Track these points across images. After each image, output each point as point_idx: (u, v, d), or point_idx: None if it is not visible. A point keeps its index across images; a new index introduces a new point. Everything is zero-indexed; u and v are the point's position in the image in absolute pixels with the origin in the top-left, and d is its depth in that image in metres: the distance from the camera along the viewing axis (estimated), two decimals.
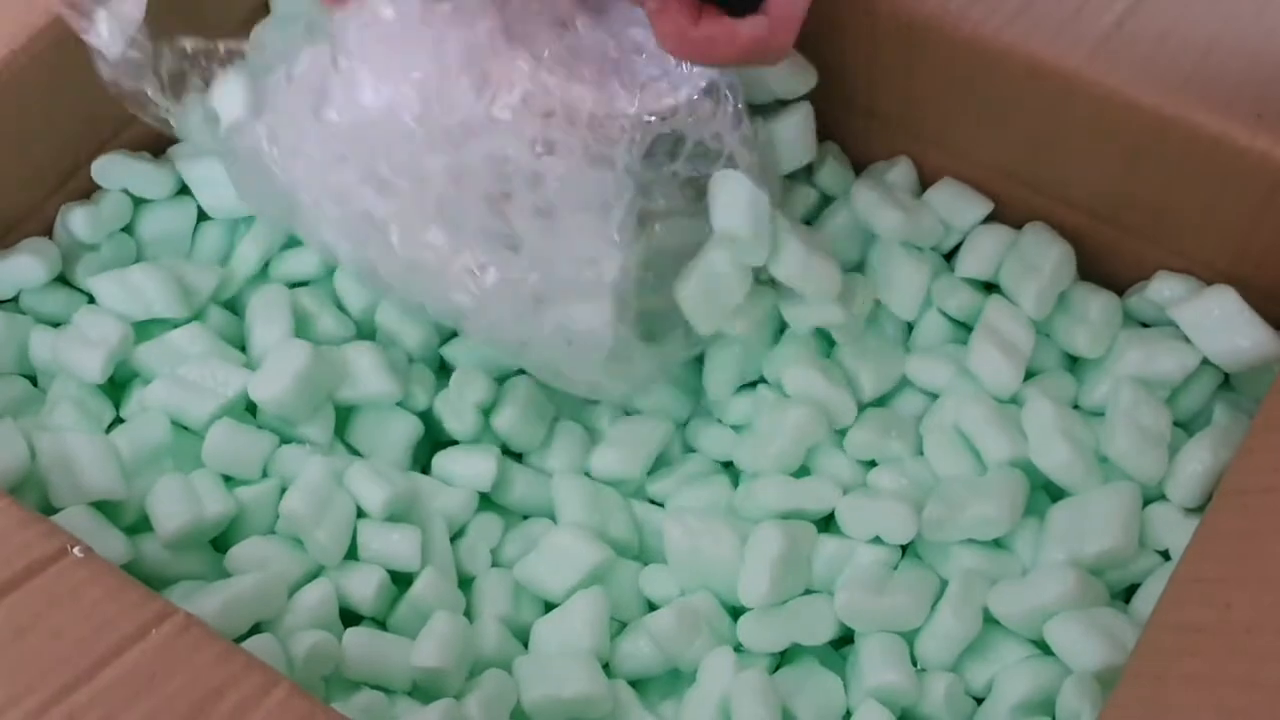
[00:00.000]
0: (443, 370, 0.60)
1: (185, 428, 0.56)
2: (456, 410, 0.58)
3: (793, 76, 0.60)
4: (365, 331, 0.60)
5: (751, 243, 0.54)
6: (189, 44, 0.55)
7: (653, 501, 0.58)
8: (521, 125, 0.51)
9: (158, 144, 0.64)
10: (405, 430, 0.58)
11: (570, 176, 0.52)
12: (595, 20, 0.54)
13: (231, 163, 0.57)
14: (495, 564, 0.56)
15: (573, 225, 0.53)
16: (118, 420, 0.57)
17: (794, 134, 0.60)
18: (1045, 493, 0.56)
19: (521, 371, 0.60)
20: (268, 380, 0.55)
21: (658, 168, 0.54)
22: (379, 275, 0.55)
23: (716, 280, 0.55)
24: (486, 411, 0.58)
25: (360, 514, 0.54)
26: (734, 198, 0.54)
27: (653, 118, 0.53)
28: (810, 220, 0.63)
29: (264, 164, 0.55)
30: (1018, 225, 0.60)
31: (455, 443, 0.58)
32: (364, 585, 0.53)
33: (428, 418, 0.59)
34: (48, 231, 0.61)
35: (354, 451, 0.58)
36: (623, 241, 0.53)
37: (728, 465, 0.59)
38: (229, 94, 0.56)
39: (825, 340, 0.60)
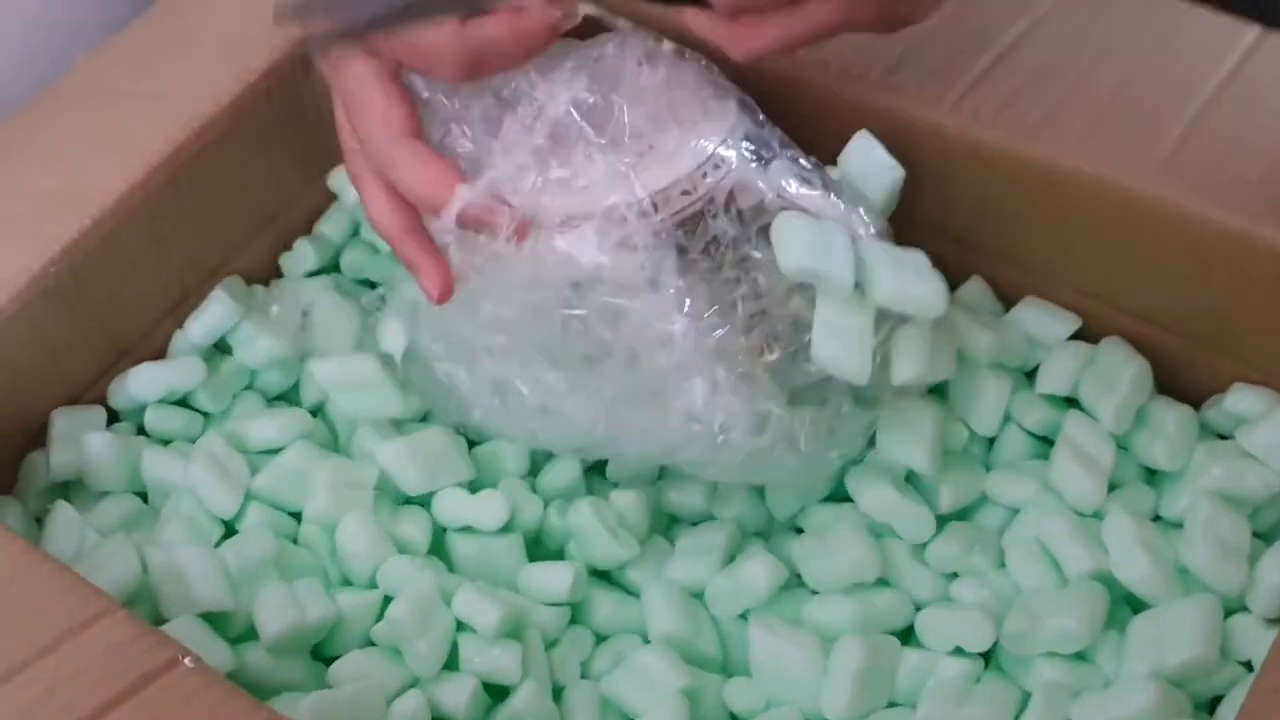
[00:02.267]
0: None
1: (295, 541, 0.58)
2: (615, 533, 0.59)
3: None
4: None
5: (830, 275, 0.51)
6: None
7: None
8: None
9: (266, 273, 0.68)
10: (510, 551, 0.59)
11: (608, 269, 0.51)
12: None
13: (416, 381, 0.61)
14: (584, 675, 0.57)
15: (639, 313, 0.51)
16: (228, 534, 0.59)
17: (861, 159, 0.57)
18: (1127, 605, 0.56)
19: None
20: (396, 445, 0.59)
21: (694, 239, 0.52)
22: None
23: (837, 331, 0.52)
24: None
25: (461, 627, 0.56)
26: (791, 237, 0.51)
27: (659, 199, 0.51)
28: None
29: (437, 379, 0.58)
30: (1093, 340, 0.61)
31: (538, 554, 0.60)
32: (458, 694, 0.54)
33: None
34: (159, 356, 0.64)
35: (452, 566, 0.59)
36: (694, 311, 0.51)
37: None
38: (389, 333, 0.63)
39: None
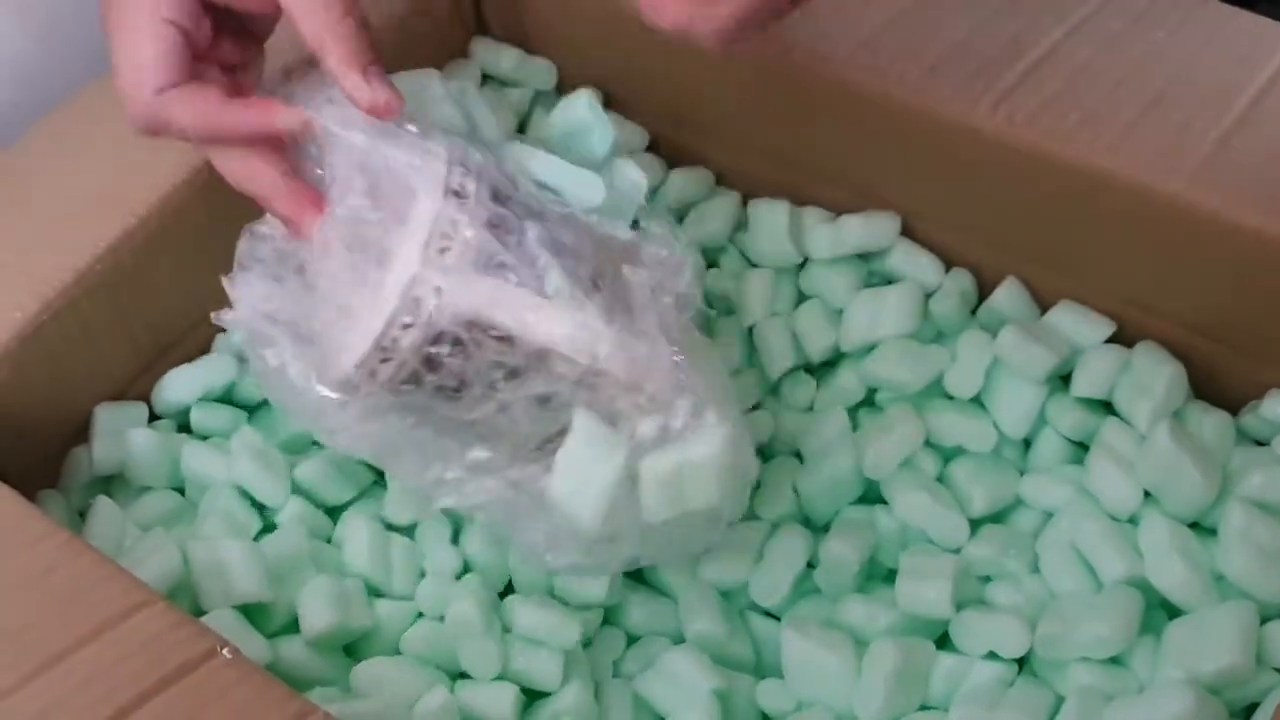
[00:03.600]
0: None
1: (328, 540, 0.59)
2: None
3: None
4: None
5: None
6: None
7: (768, 614, 0.59)
8: None
9: None
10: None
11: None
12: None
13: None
14: (614, 675, 0.58)
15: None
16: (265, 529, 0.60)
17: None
18: (1163, 610, 0.56)
19: None
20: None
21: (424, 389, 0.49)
22: None
23: (579, 473, 0.49)
24: None
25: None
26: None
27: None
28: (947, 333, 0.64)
29: None
30: (1129, 345, 0.61)
31: None
32: (499, 702, 0.54)
33: None
34: (202, 352, 0.64)
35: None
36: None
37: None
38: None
39: (941, 456, 0.62)
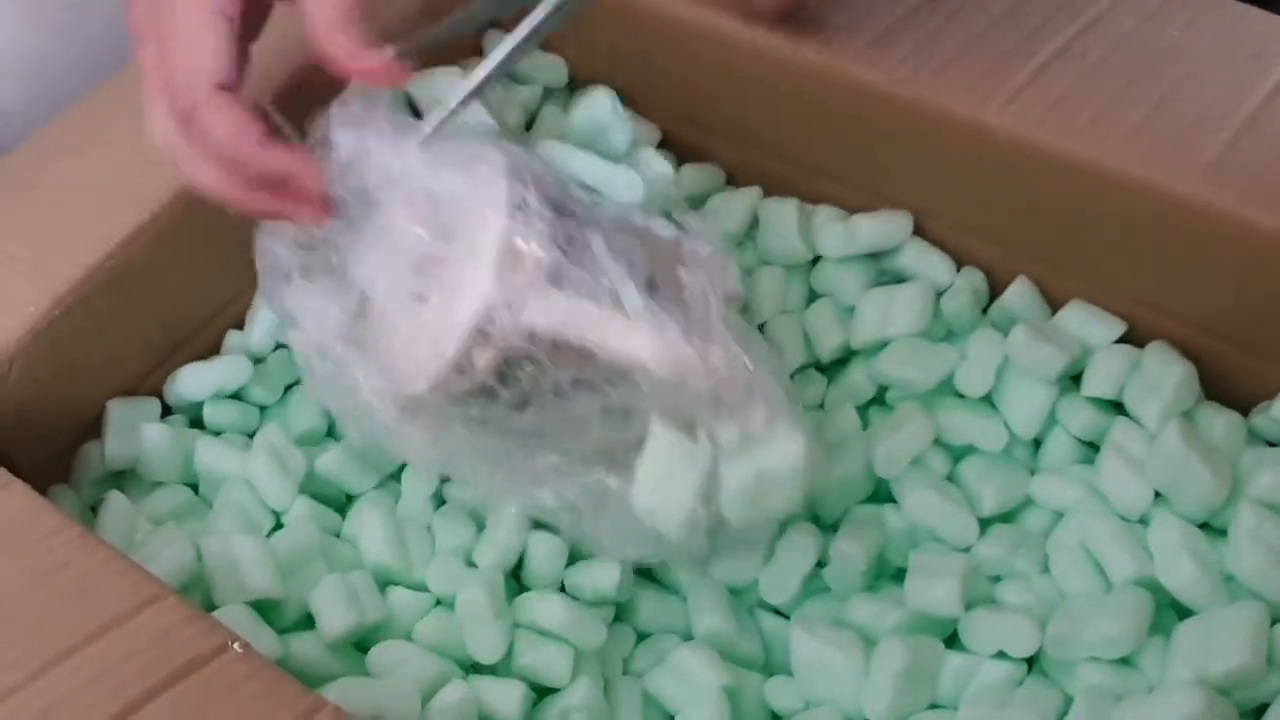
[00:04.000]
0: None
1: (337, 535, 0.59)
2: None
3: None
4: None
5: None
6: None
7: (777, 612, 0.59)
8: None
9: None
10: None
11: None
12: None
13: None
14: (625, 672, 0.58)
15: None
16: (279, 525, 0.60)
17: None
18: (1172, 610, 0.56)
19: None
20: None
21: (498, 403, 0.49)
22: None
23: (662, 483, 0.51)
24: None
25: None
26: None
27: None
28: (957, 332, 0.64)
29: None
30: (1140, 346, 0.61)
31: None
32: (507, 697, 0.54)
33: None
34: (214, 349, 0.65)
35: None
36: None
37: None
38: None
39: (951, 455, 0.62)
